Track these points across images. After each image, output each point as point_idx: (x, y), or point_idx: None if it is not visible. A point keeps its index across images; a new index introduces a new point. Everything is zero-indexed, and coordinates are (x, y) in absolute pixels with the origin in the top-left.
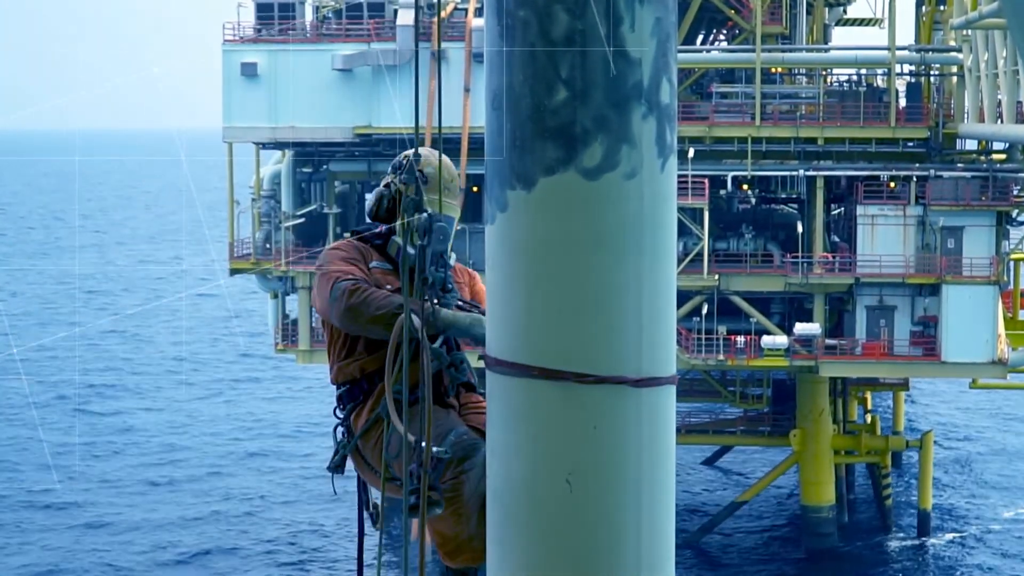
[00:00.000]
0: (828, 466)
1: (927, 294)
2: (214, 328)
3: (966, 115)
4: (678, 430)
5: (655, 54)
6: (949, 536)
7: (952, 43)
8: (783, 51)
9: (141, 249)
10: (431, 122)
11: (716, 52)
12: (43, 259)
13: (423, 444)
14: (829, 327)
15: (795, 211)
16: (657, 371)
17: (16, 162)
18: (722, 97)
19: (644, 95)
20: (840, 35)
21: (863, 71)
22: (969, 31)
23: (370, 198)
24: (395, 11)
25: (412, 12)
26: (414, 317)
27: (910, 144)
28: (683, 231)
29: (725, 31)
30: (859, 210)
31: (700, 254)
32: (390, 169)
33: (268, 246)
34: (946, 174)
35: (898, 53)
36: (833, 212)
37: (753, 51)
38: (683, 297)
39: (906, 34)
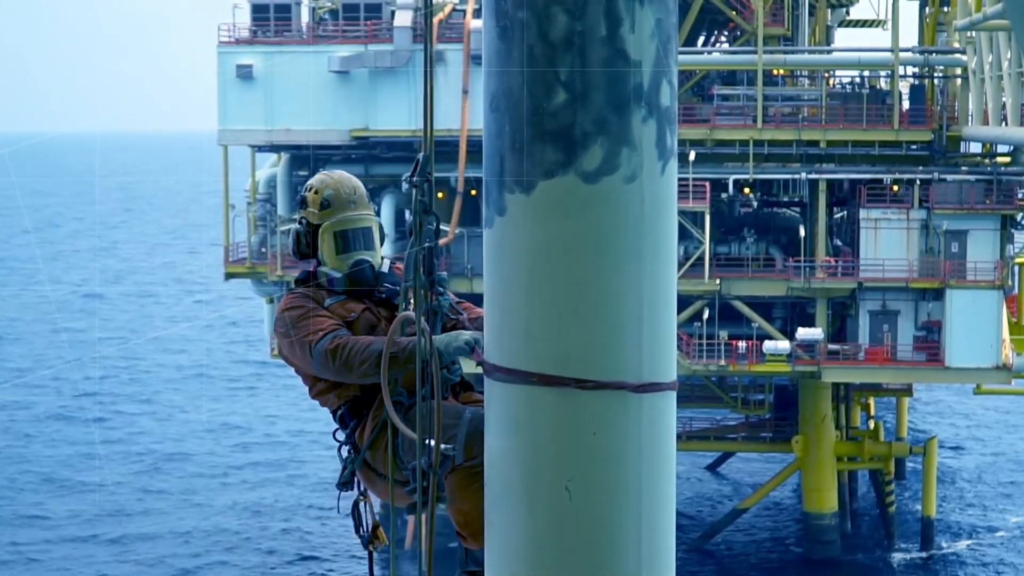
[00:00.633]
0: (830, 473)
1: (931, 298)
2: (208, 333)
3: (970, 117)
4: (679, 436)
5: (655, 56)
6: (953, 544)
7: (956, 45)
8: (785, 53)
9: (136, 252)
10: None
11: (717, 54)
12: (38, 263)
13: (430, 443)
14: (832, 332)
15: (797, 215)
16: (657, 376)
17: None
18: (723, 99)
19: (644, 97)
20: (843, 37)
21: (866, 73)
22: (973, 33)
23: (290, 236)
24: (392, 12)
25: (409, 13)
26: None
27: (913, 147)
28: (684, 235)
29: (726, 32)
30: (862, 214)
31: (701, 258)
32: (299, 202)
33: (264, 250)
34: (950, 177)
35: (901, 55)
36: (836, 216)
37: (755, 53)
38: (684, 302)
39: (909, 36)
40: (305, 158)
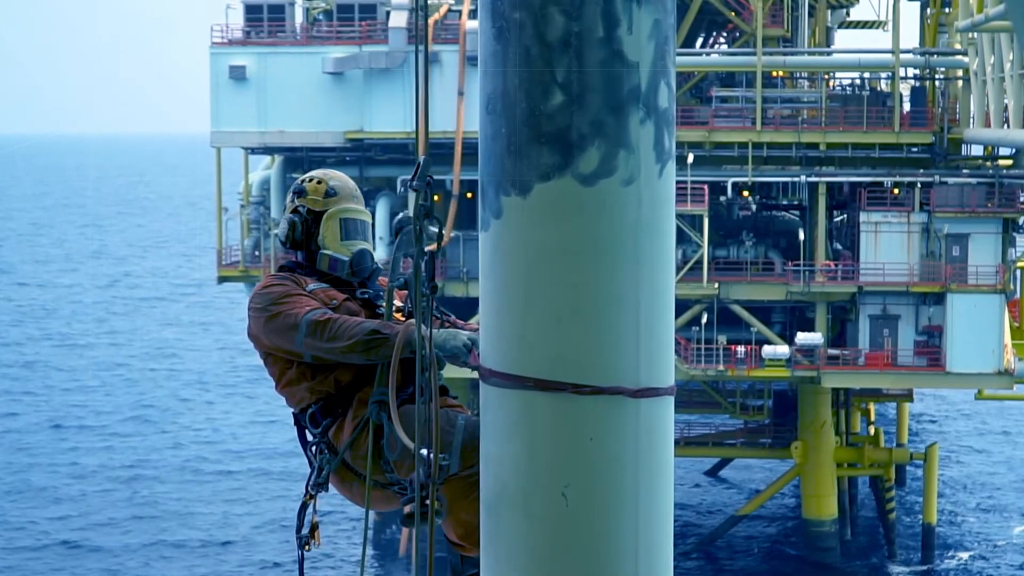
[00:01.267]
0: (830, 479)
1: (932, 303)
2: (201, 337)
3: (972, 120)
4: (677, 442)
5: (653, 57)
6: (954, 551)
7: (957, 46)
8: (784, 54)
9: (128, 256)
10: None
11: (716, 55)
12: (32, 267)
13: (426, 453)
14: (831, 337)
15: (797, 218)
16: (655, 382)
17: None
18: (722, 101)
19: (642, 99)
20: (843, 38)
21: (866, 75)
22: (975, 34)
23: (281, 227)
24: (387, 13)
25: (404, 14)
26: (412, 325)
27: (914, 149)
28: (682, 238)
29: (725, 34)
30: (862, 217)
31: (699, 262)
32: (295, 195)
33: (257, 253)
34: (951, 180)
35: (902, 56)
36: (836, 219)
37: (754, 54)
38: (682, 306)
39: (910, 37)
40: (299, 160)
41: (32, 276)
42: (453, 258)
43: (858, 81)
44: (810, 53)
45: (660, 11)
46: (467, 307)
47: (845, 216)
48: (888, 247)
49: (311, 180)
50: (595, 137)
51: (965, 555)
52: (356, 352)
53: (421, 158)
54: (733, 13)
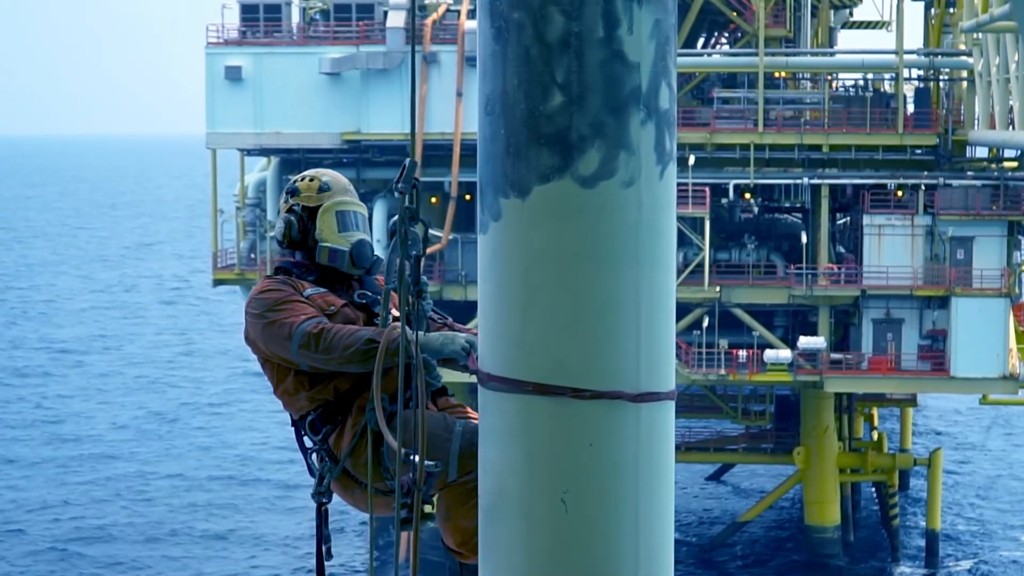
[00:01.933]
0: (833, 485)
1: (936, 307)
2: (195, 342)
3: (976, 121)
4: (677, 447)
5: (654, 57)
6: (958, 559)
7: (962, 47)
8: (787, 55)
9: (124, 258)
10: (422, 128)
11: (717, 56)
12: (29, 270)
13: (414, 457)
14: (834, 341)
15: (799, 221)
16: (656, 386)
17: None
18: (723, 102)
19: (642, 100)
20: (846, 38)
21: (870, 76)
22: (979, 34)
23: (277, 228)
24: (385, 13)
25: (402, 14)
26: (407, 332)
27: (918, 151)
28: (683, 241)
29: (727, 34)
30: (865, 220)
31: (701, 265)
32: (288, 194)
33: (253, 256)
34: (955, 183)
35: (906, 57)
36: (838, 222)
37: (756, 55)
38: (683, 310)
39: (914, 37)
40: (295, 162)
41: (25, 279)
42: (451, 261)
43: (861, 82)
44: (813, 54)
45: (661, 11)
46: (466, 310)
47: (848, 219)
48: (892, 250)
49: (303, 179)
50: (595, 138)
51: (970, 562)
52: (354, 363)
53: (407, 160)
54: (735, 13)
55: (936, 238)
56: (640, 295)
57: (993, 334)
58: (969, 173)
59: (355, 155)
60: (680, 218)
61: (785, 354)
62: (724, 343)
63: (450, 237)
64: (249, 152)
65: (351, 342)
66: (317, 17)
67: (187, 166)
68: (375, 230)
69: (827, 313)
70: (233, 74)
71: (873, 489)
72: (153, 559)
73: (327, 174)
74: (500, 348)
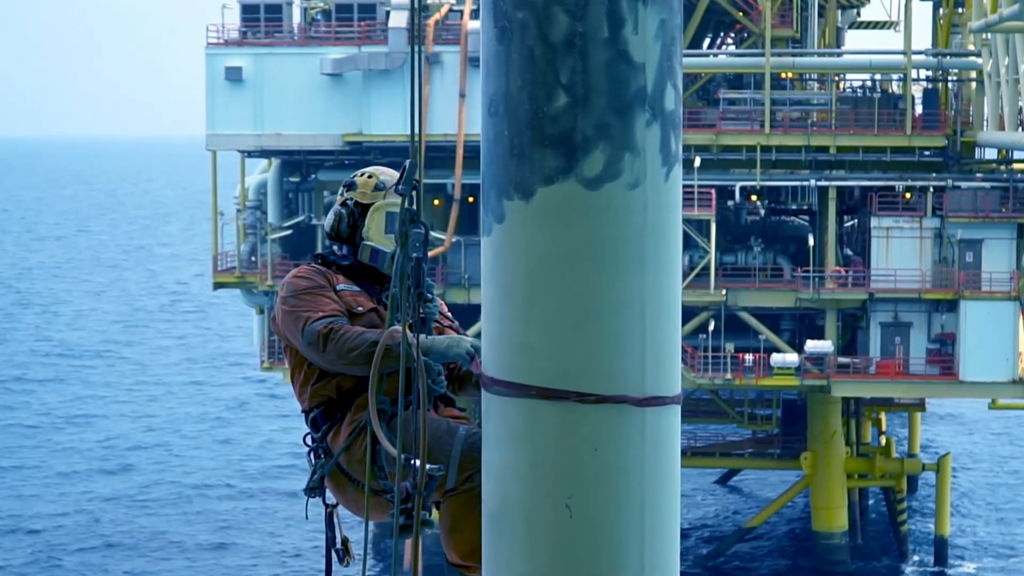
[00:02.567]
0: (840, 490)
1: (944, 310)
2: (196, 346)
3: (985, 123)
4: (683, 452)
5: (659, 58)
6: (968, 565)
7: (971, 47)
8: (794, 55)
9: (123, 261)
10: (424, 129)
11: (723, 56)
12: (25, 273)
13: (414, 462)
14: (842, 345)
15: (806, 223)
16: (661, 390)
17: None
18: (730, 103)
19: (648, 101)
20: (853, 39)
21: (877, 76)
22: (989, 35)
23: (328, 219)
24: (387, 13)
25: (404, 14)
26: (409, 336)
27: (927, 153)
28: (689, 244)
29: (733, 34)
30: (873, 222)
31: (707, 268)
32: (344, 188)
33: (253, 259)
34: (964, 184)
35: (914, 58)
36: (846, 224)
37: (762, 55)
38: (689, 313)
39: (923, 38)
40: (296, 164)
41: (25, 282)
42: (454, 264)
43: (869, 83)
44: (820, 54)
45: (666, 11)
46: (469, 314)
47: (856, 221)
48: (900, 253)
49: (363, 174)
50: (600, 140)
51: (978, 566)
52: (357, 365)
53: (407, 161)
54: (741, 13)
55: (945, 240)
56: (645, 298)
57: (1002, 338)
58: (978, 175)
59: (357, 157)
60: (686, 220)
61: (792, 358)
62: (730, 347)
63: (453, 240)
64: (250, 154)
65: (356, 344)
66: (318, 17)
67: (187, 168)
68: None
69: (834, 316)
70: (233, 75)
71: (883, 494)
72: (157, 571)
73: (386, 173)
74: (504, 352)
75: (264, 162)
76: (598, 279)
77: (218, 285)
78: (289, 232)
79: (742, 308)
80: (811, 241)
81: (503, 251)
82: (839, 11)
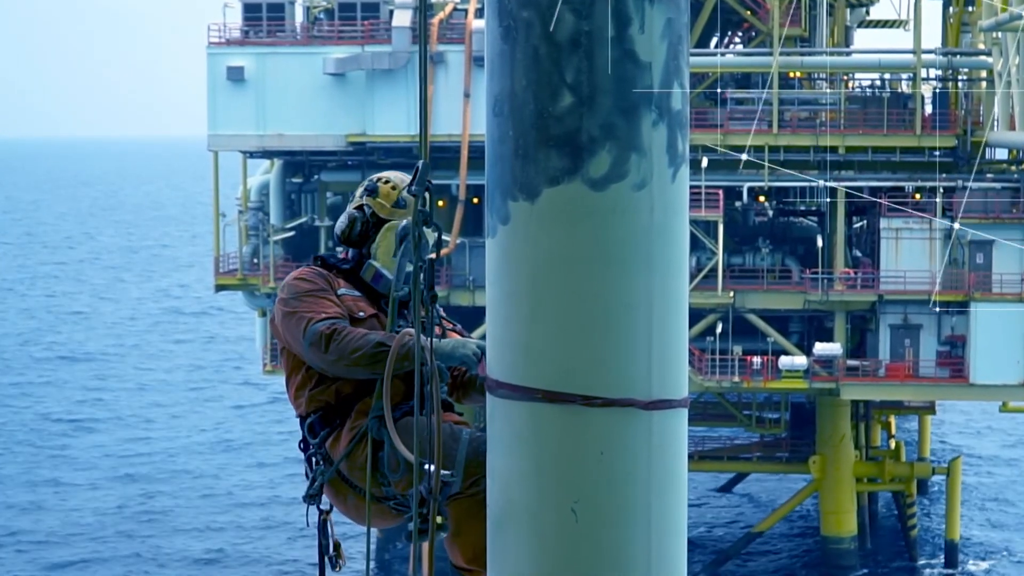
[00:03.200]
0: (850, 494)
1: (954, 312)
2: (197, 349)
3: (996, 123)
4: (690, 456)
5: (666, 57)
6: (978, 569)
7: (981, 46)
8: (802, 54)
9: (123, 263)
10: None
11: (731, 56)
12: (22, 275)
13: (427, 467)
14: (851, 347)
15: (815, 224)
16: (668, 393)
17: None
18: (737, 103)
19: (654, 101)
20: (863, 38)
21: (887, 76)
22: (999, 34)
23: (342, 219)
24: (390, 12)
25: (408, 13)
26: (423, 336)
27: (937, 153)
28: (696, 245)
29: (741, 33)
30: (883, 223)
31: (714, 270)
32: (366, 191)
33: (256, 261)
34: (975, 185)
35: (924, 57)
36: (855, 225)
37: (770, 54)
38: (696, 315)
39: (932, 37)
40: (299, 164)
41: (24, 286)
42: (459, 266)
43: (878, 82)
44: (829, 53)
45: (673, 9)
46: (473, 316)
47: (865, 222)
48: (909, 254)
49: (387, 182)
50: (606, 140)
51: (989, 571)
52: (360, 366)
53: (420, 162)
54: (749, 12)
55: (955, 242)
56: (652, 300)
57: (1013, 340)
58: (989, 175)
59: (360, 157)
60: (693, 221)
61: (800, 361)
62: (738, 349)
63: (458, 241)
64: (252, 154)
65: (360, 345)
66: (321, 16)
67: (188, 169)
68: None
69: (843, 319)
70: (235, 75)
71: (893, 498)
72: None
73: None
74: (509, 354)
75: (266, 163)
76: (604, 281)
77: (220, 287)
78: (292, 234)
79: (750, 310)
80: (820, 242)
81: (508, 253)
82: (848, 10)
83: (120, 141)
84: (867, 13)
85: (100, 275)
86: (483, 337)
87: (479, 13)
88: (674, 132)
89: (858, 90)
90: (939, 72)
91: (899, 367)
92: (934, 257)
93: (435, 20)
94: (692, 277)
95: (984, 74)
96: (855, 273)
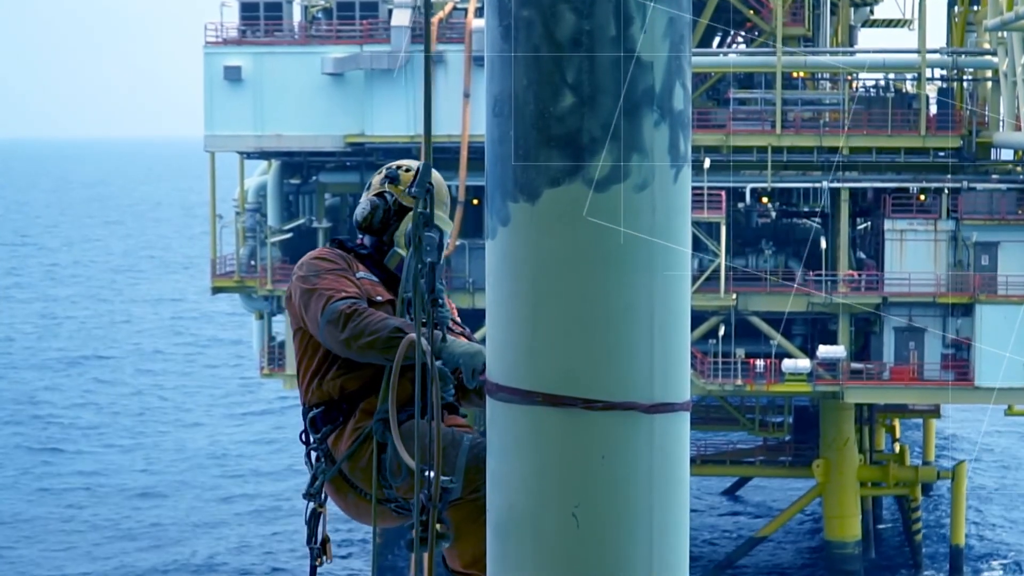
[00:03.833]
0: (854, 499)
1: (959, 314)
2: (193, 352)
3: (1001, 123)
4: (693, 460)
5: (668, 57)
6: (984, 574)
7: (987, 45)
8: (806, 54)
9: (119, 265)
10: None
11: (734, 55)
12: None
13: (428, 473)
14: (855, 350)
15: (818, 226)
16: (670, 397)
17: None
18: (740, 103)
19: (656, 101)
20: (867, 37)
21: (891, 76)
22: (1005, 33)
23: (362, 206)
24: (389, 11)
25: (407, 12)
26: (423, 340)
27: (941, 154)
28: (698, 247)
29: (743, 33)
30: (887, 224)
31: (716, 272)
32: (386, 179)
33: (253, 263)
34: (980, 186)
35: (929, 56)
36: (859, 227)
37: (773, 54)
38: (698, 318)
39: (937, 36)
40: (297, 165)
41: (19, 287)
42: (459, 268)
43: (882, 82)
44: (832, 53)
45: (675, 8)
46: (473, 318)
47: (869, 224)
48: (914, 256)
49: (407, 170)
50: (607, 140)
51: None
52: (376, 349)
53: (420, 163)
54: (752, 11)
55: (960, 243)
56: (654, 303)
57: (1019, 343)
58: (994, 176)
59: (359, 158)
60: (695, 223)
61: (804, 363)
62: (741, 352)
63: (457, 243)
64: (249, 155)
65: (377, 328)
66: (319, 15)
67: (185, 169)
68: None
69: (847, 321)
70: (232, 74)
71: (897, 503)
72: None
73: (434, 180)
74: (509, 357)
75: (264, 164)
76: (605, 283)
77: (217, 290)
78: (289, 235)
79: (753, 313)
80: (823, 244)
81: (508, 254)
82: (852, 9)
83: (119, 141)
84: (871, 12)
85: (96, 277)
86: (483, 340)
87: (479, 12)
88: (676, 132)
89: (862, 90)
90: (944, 72)
91: (903, 370)
92: (939, 259)
93: (435, 20)
94: (694, 279)
95: (989, 74)
96: (859, 275)
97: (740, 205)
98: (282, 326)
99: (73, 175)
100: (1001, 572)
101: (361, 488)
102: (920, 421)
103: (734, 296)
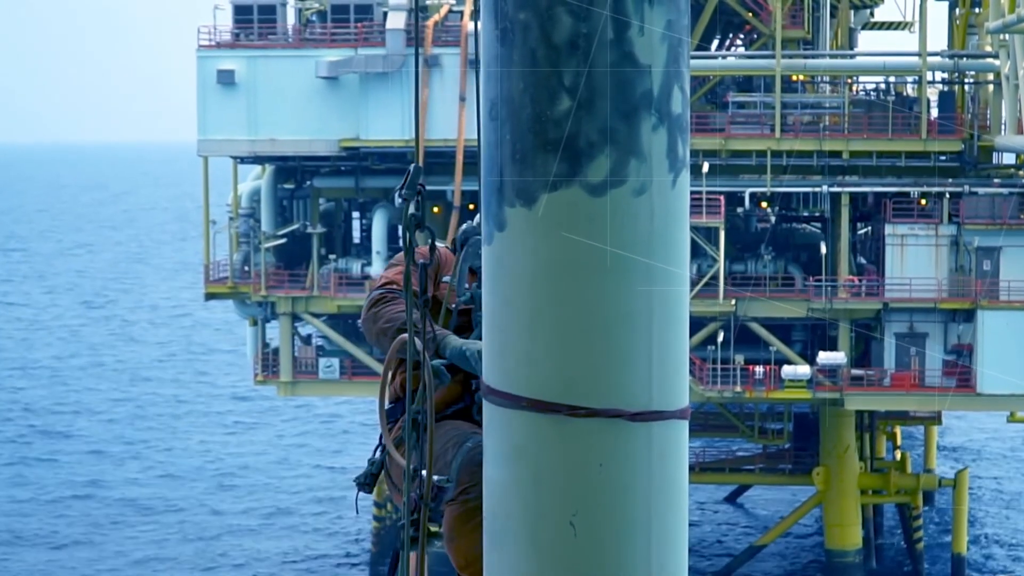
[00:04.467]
0: (854, 507)
1: (961, 320)
2: (187, 359)
3: (1003, 126)
4: (692, 468)
5: (666, 60)
6: None
7: (988, 48)
8: (805, 57)
9: (109, 271)
10: (422, 135)
11: (733, 58)
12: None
13: (422, 472)
14: (855, 356)
15: (818, 230)
16: (668, 404)
17: None
18: (739, 107)
19: (654, 105)
20: (867, 40)
21: (892, 79)
22: (1006, 36)
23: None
24: (384, 14)
25: (402, 15)
26: (416, 339)
27: (942, 158)
28: (697, 252)
29: (742, 35)
30: (887, 229)
31: (715, 277)
32: None
33: (247, 269)
34: (981, 190)
35: (930, 60)
36: (859, 231)
37: (773, 57)
38: (697, 324)
39: (938, 39)
40: (291, 170)
41: (17, 294)
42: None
43: (883, 86)
44: (832, 56)
45: (673, 11)
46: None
47: (869, 228)
48: (915, 261)
49: None
50: (604, 144)
51: None
52: (387, 338)
53: (411, 165)
54: (751, 14)
55: (961, 248)
56: (652, 308)
57: (1021, 349)
58: (996, 180)
59: (354, 163)
60: (694, 228)
61: (804, 370)
62: (740, 359)
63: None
64: (243, 160)
65: (391, 319)
66: (313, 18)
67: (178, 174)
68: (375, 240)
69: (847, 327)
70: (226, 78)
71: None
72: None
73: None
74: (506, 363)
75: (257, 168)
76: (603, 288)
77: (210, 296)
78: (283, 241)
79: (752, 318)
80: (823, 249)
81: (505, 260)
82: (852, 11)
83: (114, 146)
84: (871, 15)
85: (88, 283)
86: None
87: (475, 15)
88: (674, 136)
89: (862, 93)
90: (945, 75)
91: (904, 376)
92: (940, 264)
93: (430, 22)
94: (693, 285)
95: (991, 77)
96: (859, 280)
97: (739, 210)
98: (275, 332)
99: (67, 179)
100: None
101: (397, 484)
102: (921, 428)
103: (733, 302)
